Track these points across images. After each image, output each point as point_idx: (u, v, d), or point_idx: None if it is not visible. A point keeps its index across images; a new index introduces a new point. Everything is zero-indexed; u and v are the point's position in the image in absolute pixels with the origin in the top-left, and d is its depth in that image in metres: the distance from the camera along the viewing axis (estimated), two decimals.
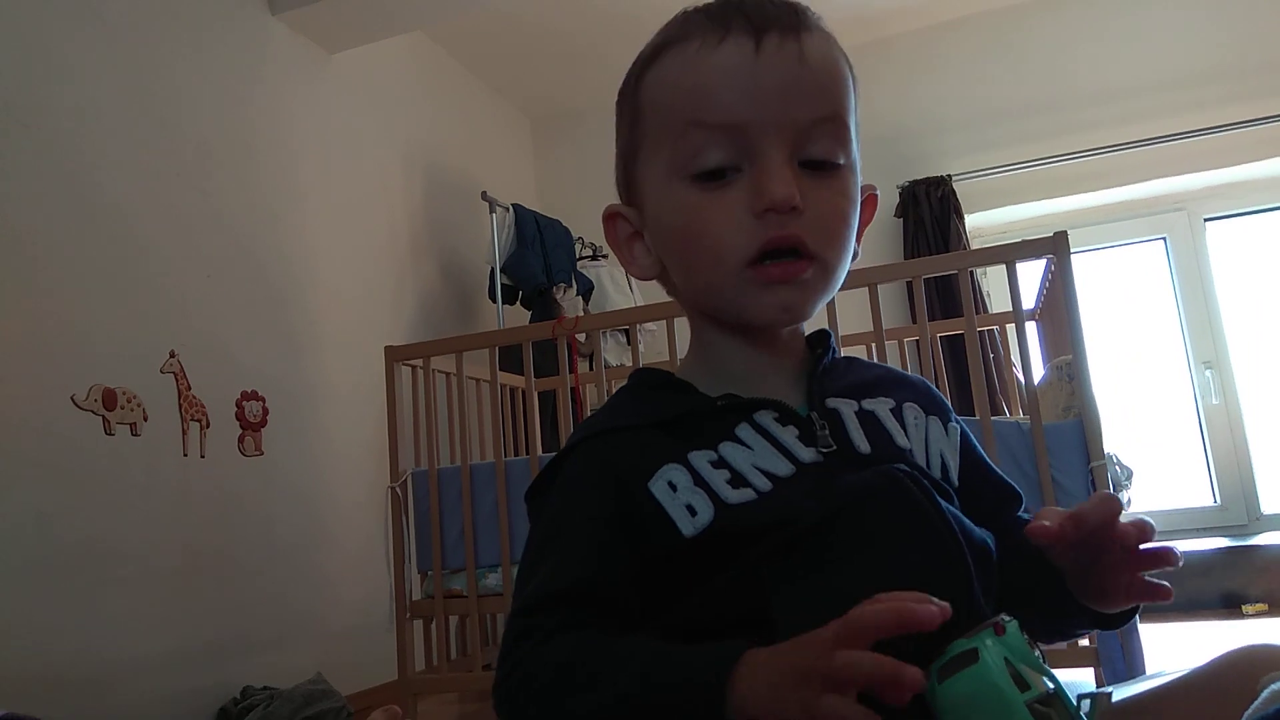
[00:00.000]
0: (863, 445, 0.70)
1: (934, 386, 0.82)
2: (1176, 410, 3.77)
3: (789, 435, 0.69)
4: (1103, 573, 0.63)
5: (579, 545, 0.67)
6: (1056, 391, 2.17)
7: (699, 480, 0.66)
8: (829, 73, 0.67)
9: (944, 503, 0.67)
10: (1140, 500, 2.07)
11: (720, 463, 0.67)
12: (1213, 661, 0.60)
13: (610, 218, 0.76)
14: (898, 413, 0.74)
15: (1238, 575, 3.17)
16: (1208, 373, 3.71)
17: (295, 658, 2.60)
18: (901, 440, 0.72)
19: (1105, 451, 1.95)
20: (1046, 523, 0.60)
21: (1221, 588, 3.14)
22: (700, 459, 0.67)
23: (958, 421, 0.78)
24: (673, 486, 0.66)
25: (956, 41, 4.02)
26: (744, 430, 0.69)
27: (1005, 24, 3.96)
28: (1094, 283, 3.90)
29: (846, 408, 0.72)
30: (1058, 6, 3.88)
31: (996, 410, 3.29)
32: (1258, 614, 3.00)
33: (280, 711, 2.19)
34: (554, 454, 0.75)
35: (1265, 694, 0.52)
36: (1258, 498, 3.62)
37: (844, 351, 2.19)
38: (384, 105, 3.52)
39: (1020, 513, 0.77)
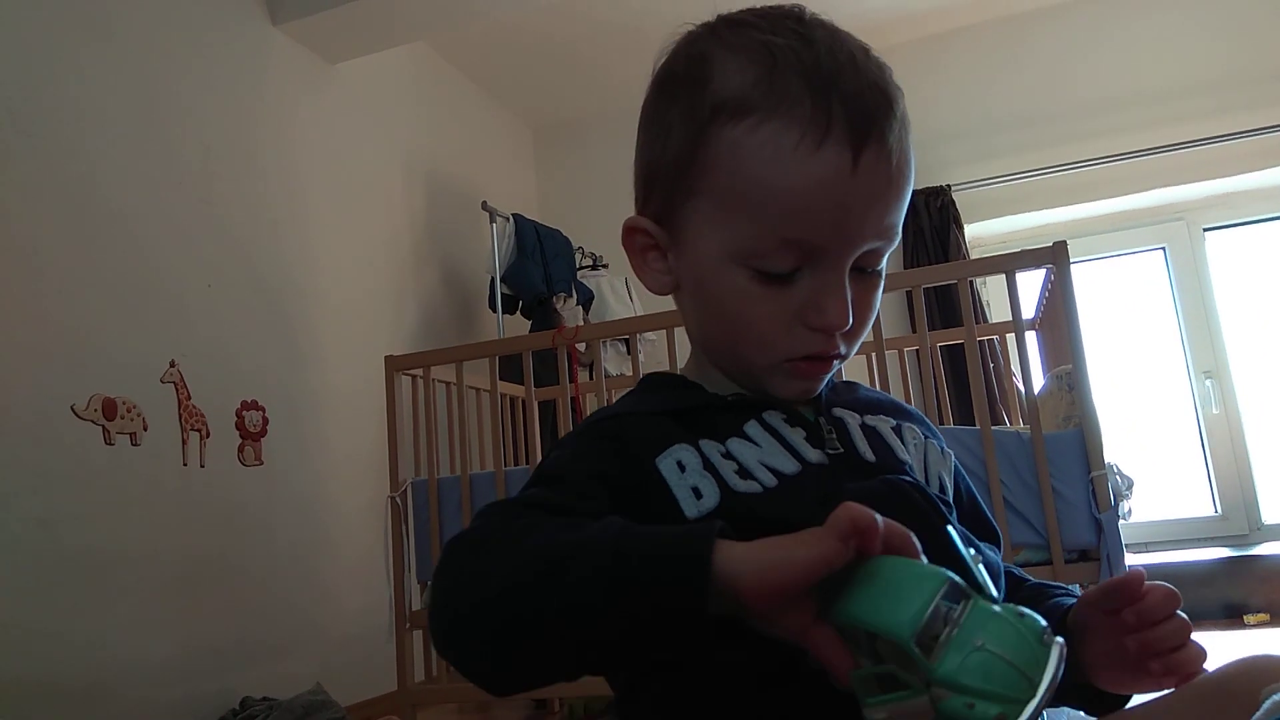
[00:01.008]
0: (868, 453, 0.71)
1: (928, 419, 0.84)
2: (1177, 420, 3.77)
3: (797, 436, 0.70)
4: (1116, 649, 0.65)
5: (567, 488, 0.64)
6: (1057, 401, 2.17)
7: (708, 465, 0.66)
8: (904, 187, 0.66)
9: (950, 518, 0.68)
10: (1141, 510, 2.07)
11: (729, 456, 0.67)
12: (1215, 672, 0.60)
13: (632, 230, 0.74)
14: (898, 431, 0.75)
15: (1239, 585, 3.16)
16: (1208, 382, 3.71)
17: (295, 668, 2.59)
18: (903, 454, 0.73)
19: (1105, 461, 1.95)
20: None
21: (1223, 598, 3.13)
22: (710, 447, 0.68)
23: (950, 452, 0.79)
24: (681, 466, 0.66)
25: (956, 51, 4.03)
26: (753, 428, 0.70)
27: (1004, 34, 3.97)
28: (1094, 292, 3.90)
29: (851, 419, 0.74)
30: (1056, 17, 3.90)
31: (997, 420, 3.29)
32: (1259, 624, 2.99)
33: None
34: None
35: (1267, 704, 0.51)
36: (1259, 507, 3.61)
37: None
38: (385, 115, 3.53)
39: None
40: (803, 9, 0.69)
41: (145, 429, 2.30)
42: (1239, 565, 3.21)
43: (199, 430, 2.47)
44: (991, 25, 3.99)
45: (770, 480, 0.66)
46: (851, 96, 0.63)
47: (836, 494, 0.65)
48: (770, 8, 0.69)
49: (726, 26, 0.70)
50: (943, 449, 0.77)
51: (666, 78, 0.72)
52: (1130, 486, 1.94)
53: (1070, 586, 0.74)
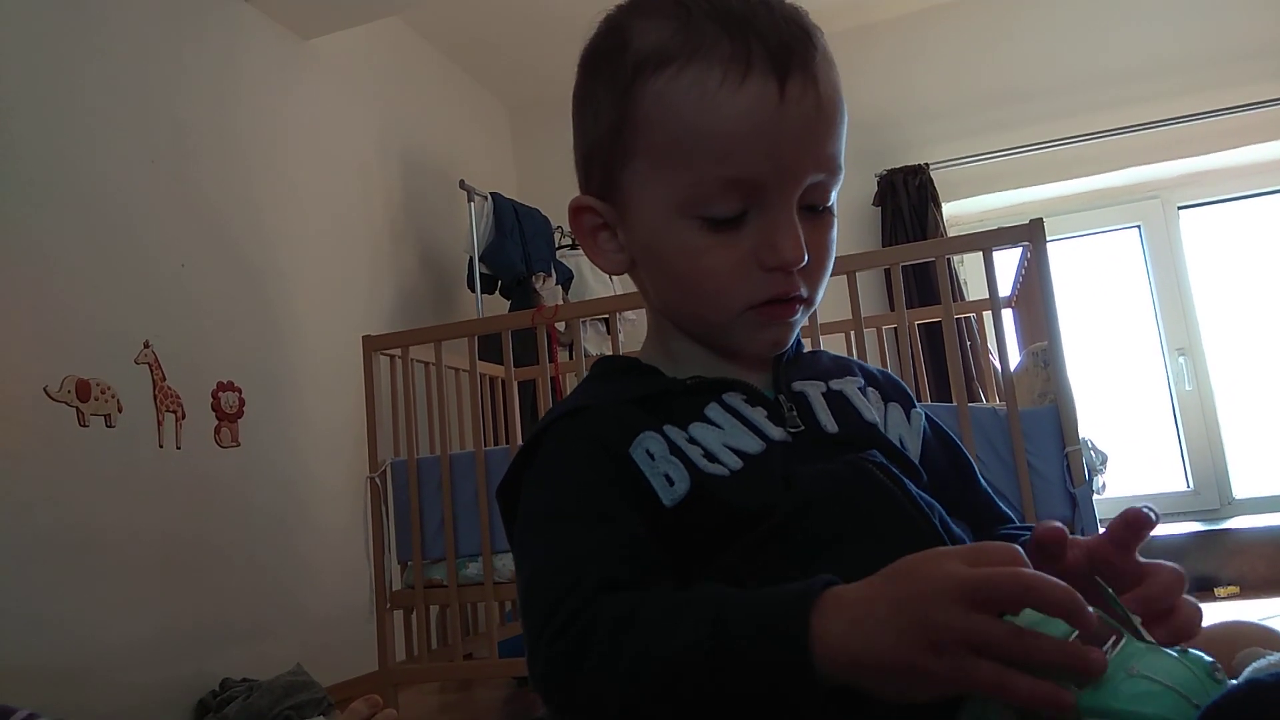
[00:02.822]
0: (830, 424, 0.71)
1: (895, 375, 0.83)
2: (1150, 396, 3.81)
3: (758, 415, 0.69)
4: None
5: (588, 512, 0.64)
6: (1032, 378, 2.19)
7: (675, 450, 0.66)
8: (837, 117, 0.66)
9: (915, 488, 0.68)
10: (1115, 485, 2.09)
11: (692, 441, 0.67)
12: (1191, 640, 0.61)
13: (579, 210, 0.73)
14: (864, 392, 0.75)
15: (1210, 559, 3.22)
16: (1181, 359, 3.76)
17: (275, 649, 2.59)
18: (869, 415, 0.73)
19: (1080, 437, 1.97)
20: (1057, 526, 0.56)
21: (1194, 571, 3.17)
22: (675, 433, 0.67)
23: (921, 410, 0.78)
24: (650, 455, 0.66)
25: (934, 30, 4.03)
26: (713, 410, 0.69)
27: (982, 12, 3.97)
28: (1070, 270, 3.93)
29: (813, 389, 0.73)
30: None
31: (974, 397, 3.32)
32: (1229, 596, 3.05)
33: (260, 703, 2.18)
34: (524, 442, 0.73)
35: (1247, 670, 0.52)
36: (1230, 482, 3.67)
37: (823, 340, 2.19)
38: (361, 92, 3.48)
39: (1005, 530, 0.76)
40: None
41: (120, 410, 2.28)
42: (1210, 539, 3.26)
43: (174, 412, 2.44)
44: (970, 4, 3.99)
45: (735, 463, 0.66)
46: (769, 31, 0.63)
47: (797, 475, 0.66)
48: None
49: None
50: (909, 412, 0.76)
51: (590, 56, 0.72)
52: (1105, 462, 1.97)
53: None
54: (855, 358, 0.97)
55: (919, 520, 0.65)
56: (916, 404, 0.78)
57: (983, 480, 0.79)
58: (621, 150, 0.68)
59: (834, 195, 0.69)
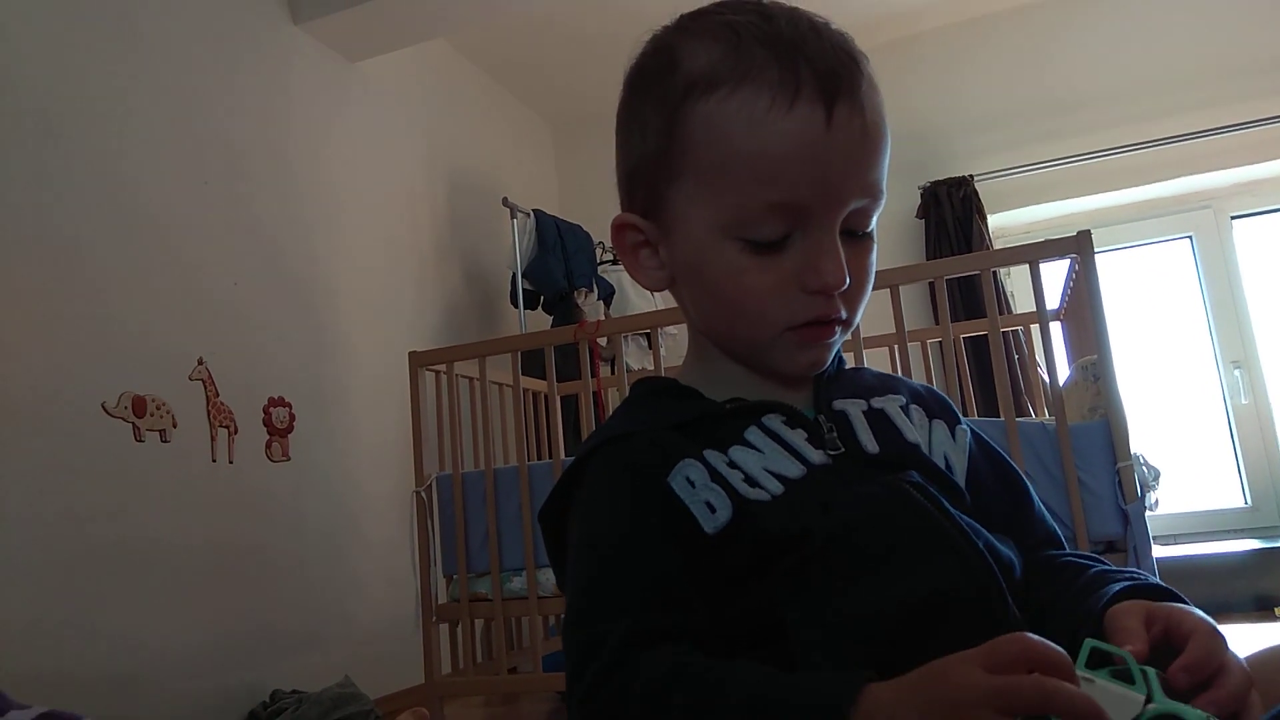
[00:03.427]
0: (870, 445, 0.70)
1: (940, 391, 0.82)
2: (1206, 410, 3.72)
3: (798, 438, 0.69)
4: None
5: (623, 549, 0.65)
6: (1082, 392, 2.15)
7: (715, 476, 0.66)
8: (882, 143, 0.67)
9: (957, 511, 0.67)
10: (1169, 502, 2.05)
11: (733, 465, 0.67)
12: (1245, 659, 0.60)
13: (621, 227, 0.74)
14: (906, 410, 0.75)
15: (1269, 577, 3.13)
16: (1236, 372, 3.67)
17: (323, 661, 2.63)
18: (911, 435, 0.72)
19: (1132, 452, 1.93)
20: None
21: (1253, 589, 3.10)
22: (715, 457, 0.68)
23: (967, 425, 0.78)
24: (691, 483, 0.66)
25: (979, 41, 4.00)
26: (753, 434, 0.69)
27: (1028, 22, 3.93)
28: (1120, 282, 3.86)
29: (854, 408, 0.73)
30: (1080, 4, 3.85)
31: (1023, 411, 3.27)
32: None
33: (308, 714, 2.21)
34: (568, 465, 0.73)
35: None
36: None
37: (867, 354, 2.18)
38: (407, 112, 3.55)
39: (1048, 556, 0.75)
40: None
41: (174, 426, 2.34)
42: (1269, 557, 3.17)
43: (227, 427, 2.50)
44: (1014, 14, 3.95)
45: (776, 487, 0.66)
46: (817, 58, 0.64)
47: (836, 499, 0.66)
48: (729, 1, 0.70)
49: (687, 18, 0.71)
50: (954, 429, 0.76)
51: (636, 76, 0.73)
52: (1157, 477, 1.92)
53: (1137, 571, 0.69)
54: (900, 374, 0.96)
55: (959, 542, 0.64)
56: (963, 420, 0.78)
57: (1036, 499, 0.78)
58: (667, 169, 0.69)
59: (874, 220, 0.69)
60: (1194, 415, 3.74)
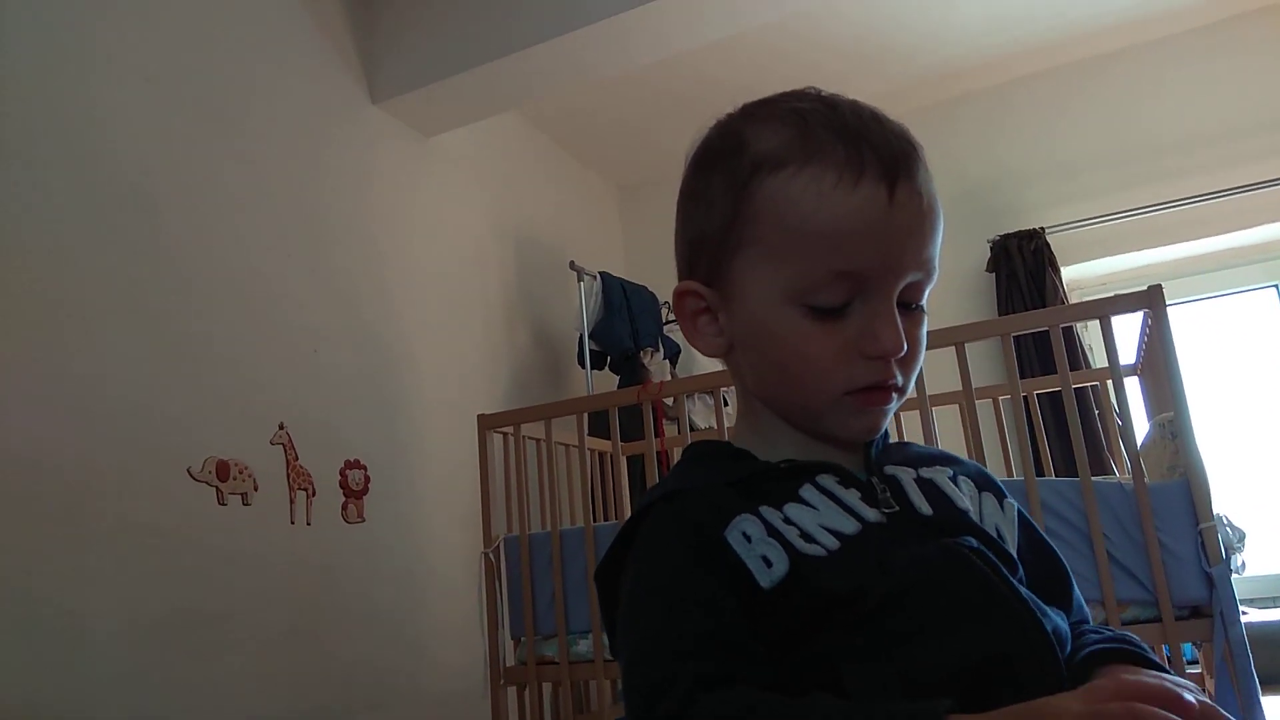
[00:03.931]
0: (924, 507, 0.72)
1: (985, 468, 0.83)
2: None
3: (852, 496, 0.71)
4: None
5: (684, 597, 0.66)
6: (1160, 450, 2.08)
7: (772, 531, 0.67)
8: (937, 223, 0.71)
9: (1013, 579, 0.67)
10: (1256, 563, 1.95)
11: (789, 521, 0.68)
12: None
13: (683, 294, 0.78)
14: (955, 481, 0.76)
15: None
16: None
17: None
18: (961, 503, 0.73)
19: (1215, 512, 1.86)
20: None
21: None
22: (771, 514, 0.69)
23: (1014, 501, 0.79)
24: (747, 537, 0.67)
25: (1049, 93, 3.96)
26: (808, 491, 0.71)
27: (1099, 73, 3.88)
28: (1202, 333, 3.73)
29: (905, 475, 0.74)
30: (1147, 53, 3.80)
31: (1105, 470, 3.16)
32: None
33: None
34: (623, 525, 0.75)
35: None
36: None
37: (935, 411, 2.15)
38: (477, 181, 3.68)
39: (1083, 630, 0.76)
40: (820, 89, 0.74)
41: (255, 489, 2.42)
42: None
43: (305, 489, 2.58)
44: (1086, 65, 3.92)
45: (832, 543, 0.67)
46: (880, 144, 0.69)
47: (891, 559, 0.66)
48: (789, 91, 0.75)
49: (753, 106, 0.76)
50: (1002, 502, 0.77)
51: (703, 155, 0.77)
52: (1242, 539, 1.84)
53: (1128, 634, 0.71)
54: (968, 432, 0.97)
55: (1016, 607, 0.65)
56: (1009, 495, 0.79)
57: (1073, 578, 0.79)
58: (734, 240, 0.72)
59: (926, 295, 0.73)
60: None
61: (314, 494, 2.60)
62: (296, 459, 2.57)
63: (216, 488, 2.32)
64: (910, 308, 0.72)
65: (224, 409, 2.38)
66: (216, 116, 2.54)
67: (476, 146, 3.68)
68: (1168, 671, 0.63)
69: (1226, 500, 2.02)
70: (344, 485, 2.73)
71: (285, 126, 2.78)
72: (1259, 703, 1.74)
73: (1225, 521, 1.84)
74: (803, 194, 0.68)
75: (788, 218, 0.68)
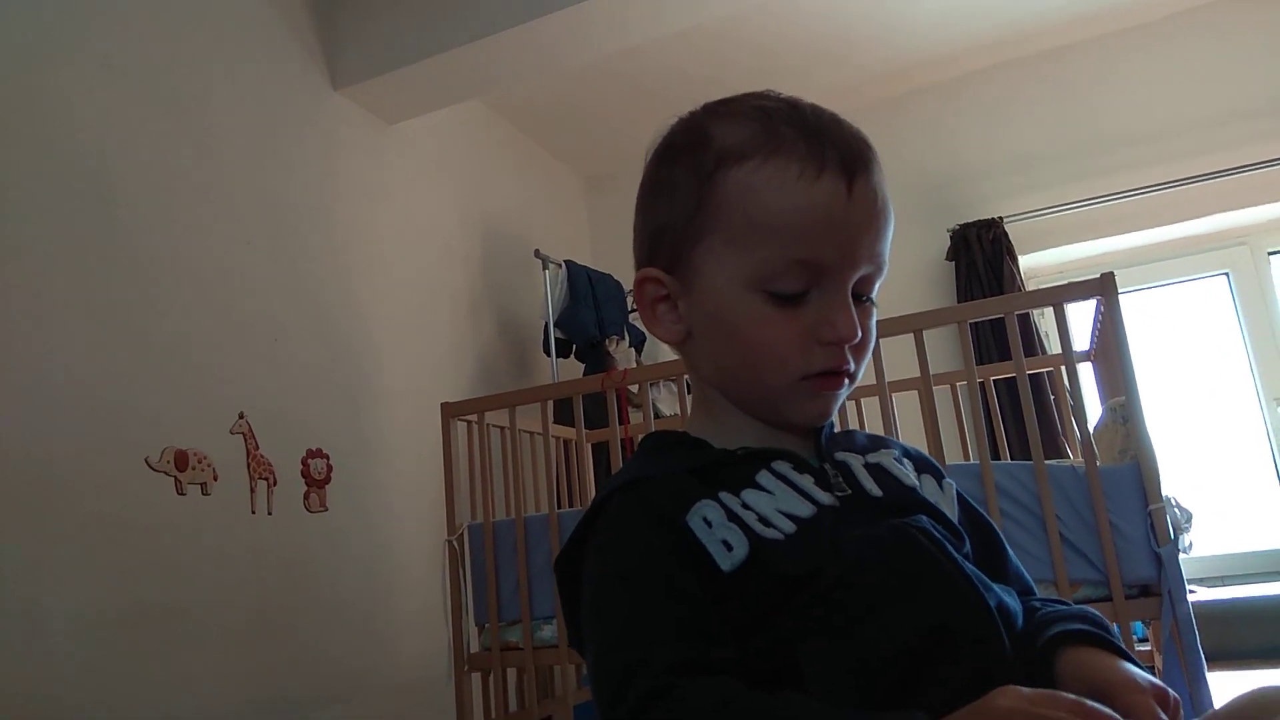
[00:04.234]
0: (874, 489, 0.75)
1: (925, 452, 0.88)
2: (1248, 449, 3.64)
3: (806, 481, 0.73)
4: None
5: (651, 583, 0.67)
6: (1112, 434, 2.14)
7: (732, 516, 0.69)
8: (890, 219, 0.75)
9: (959, 556, 0.70)
10: (1213, 543, 2.01)
11: (747, 506, 0.71)
12: (1222, 707, 0.60)
13: (644, 281, 0.79)
14: (900, 461, 0.80)
15: None
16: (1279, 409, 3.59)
17: (358, 712, 2.64)
18: (909, 480, 0.77)
19: (1164, 494, 1.91)
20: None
21: None
22: (729, 499, 0.71)
23: (952, 482, 0.83)
24: (708, 523, 0.69)
25: (1007, 84, 4.02)
26: (764, 477, 0.73)
27: (1055, 65, 3.95)
28: (1156, 320, 3.81)
29: (854, 460, 0.78)
30: (1106, 45, 3.87)
31: (1061, 454, 3.23)
32: None
33: None
34: (583, 514, 0.76)
35: None
36: None
37: (895, 398, 2.18)
38: (442, 169, 3.65)
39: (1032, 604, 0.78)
40: (780, 91, 0.78)
41: (215, 479, 2.40)
42: None
43: (266, 479, 2.56)
44: (1044, 56, 3.97)
45: (789, 527, 0.69)
46: (839, 142, 0.73)
47: (844, 540, 0.68)
48: (751, 91, 0.78)
49: (716, 104, 0.78)
50: (940, 482, 0.81)
51: (667, 148, 0.80)
52: (1189, 520, 1.89)
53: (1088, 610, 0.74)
54: (929, 416, 1.00)
55: (962, 583, 0.67)
56: (947, 476, 0.83)
57: (1010, 551, 0.83)
58: (697, 228, 0.74)
59: (877, 289, 0.76)
60: (1236, 454, 3.66)
61: (275, 483, 2.59)
62: (257, 448, 2.54)
63: (175, 478, 2.29)
64: (862, 300, 0.75)
65: (182, 398, 2.35)
66: (176, 102, 2.51)
67: (441, 135, 3.66)
68: (1130, 656, 0.66)
69: (1176, 482, 2.08)
70: (306, 474, 2.71)
71: (245, 112, 2.74)
72: (1205, 678, 1.80)
73: (1174, 503, 1.89)
74: (766, 185, 0.70)
75: (751, 207, 0.71)
